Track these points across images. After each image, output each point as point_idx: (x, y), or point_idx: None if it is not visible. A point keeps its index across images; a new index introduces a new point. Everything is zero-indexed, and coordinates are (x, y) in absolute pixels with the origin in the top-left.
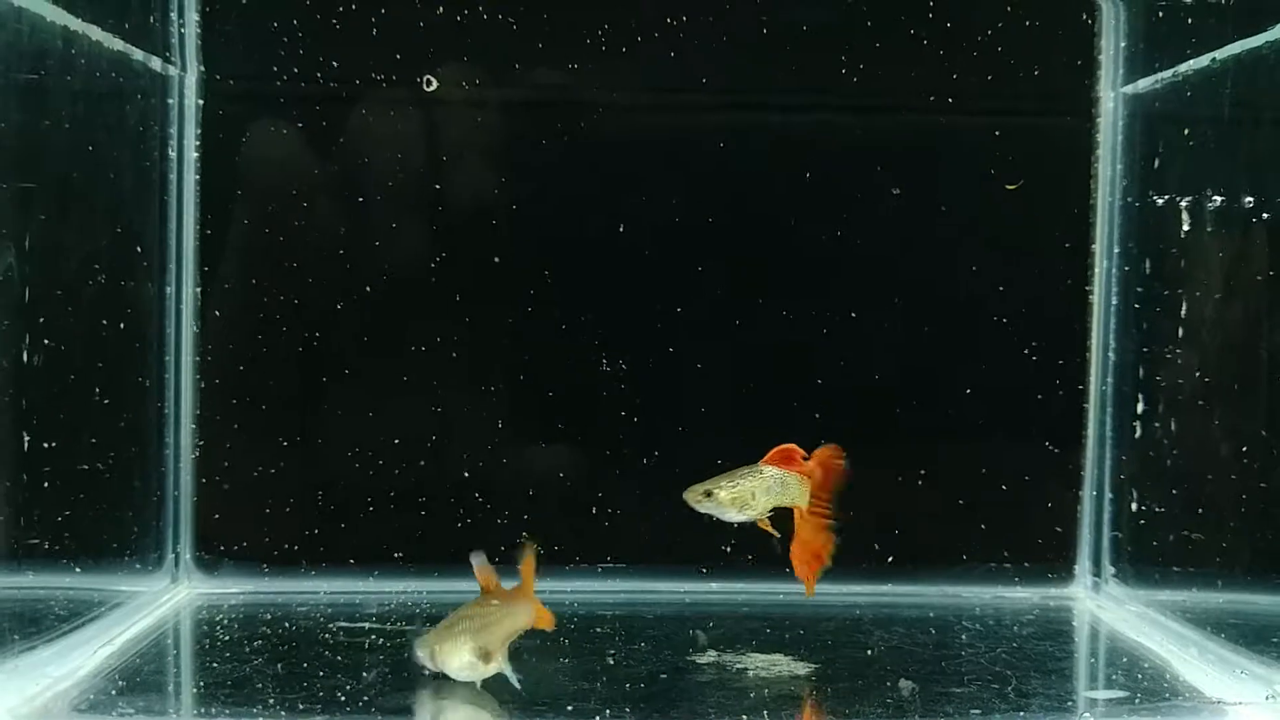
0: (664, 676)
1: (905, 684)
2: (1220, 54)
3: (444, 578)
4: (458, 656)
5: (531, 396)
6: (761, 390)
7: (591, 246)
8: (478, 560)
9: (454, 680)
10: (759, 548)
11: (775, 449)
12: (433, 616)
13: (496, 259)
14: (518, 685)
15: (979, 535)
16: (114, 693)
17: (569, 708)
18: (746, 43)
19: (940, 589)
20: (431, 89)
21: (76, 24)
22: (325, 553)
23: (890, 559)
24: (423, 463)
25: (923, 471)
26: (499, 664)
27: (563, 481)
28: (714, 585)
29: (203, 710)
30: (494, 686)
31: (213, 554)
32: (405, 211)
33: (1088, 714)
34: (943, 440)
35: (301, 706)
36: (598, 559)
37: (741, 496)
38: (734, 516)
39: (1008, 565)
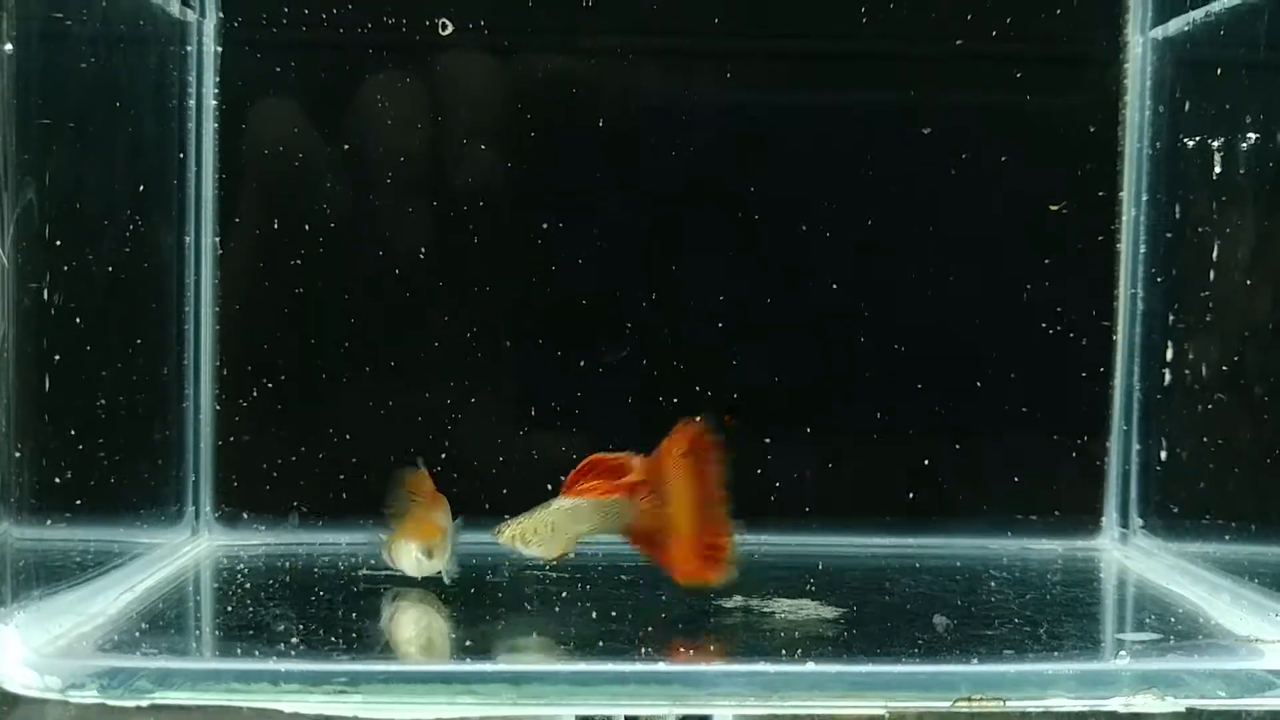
0: (691, 619)
1: (939, 619)
2: None
3: (468, 528)
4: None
5: (552, 357)
6: (787, 352)
7: (625, 215)
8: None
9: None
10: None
11: (585, 462)
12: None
13: (524, 215)
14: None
15: (1005, 487)
16: (137, 634)
17: (599, 645)
18: None
19: (966, 541)
20: (447, 32)
21: None
22: (345, 506)
23: (915, 512)
24: (444, 416)
25: (948, 423)
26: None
27: (580, 436)
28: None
29: (226, 649)
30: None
31: (233, 507)
32: (427, 158)
33: (1124, 652)
34: (968, 392)
35: (325, 647)
36: None
37: (522, 534)
38: (534, 553)
39: (1034, 517)
